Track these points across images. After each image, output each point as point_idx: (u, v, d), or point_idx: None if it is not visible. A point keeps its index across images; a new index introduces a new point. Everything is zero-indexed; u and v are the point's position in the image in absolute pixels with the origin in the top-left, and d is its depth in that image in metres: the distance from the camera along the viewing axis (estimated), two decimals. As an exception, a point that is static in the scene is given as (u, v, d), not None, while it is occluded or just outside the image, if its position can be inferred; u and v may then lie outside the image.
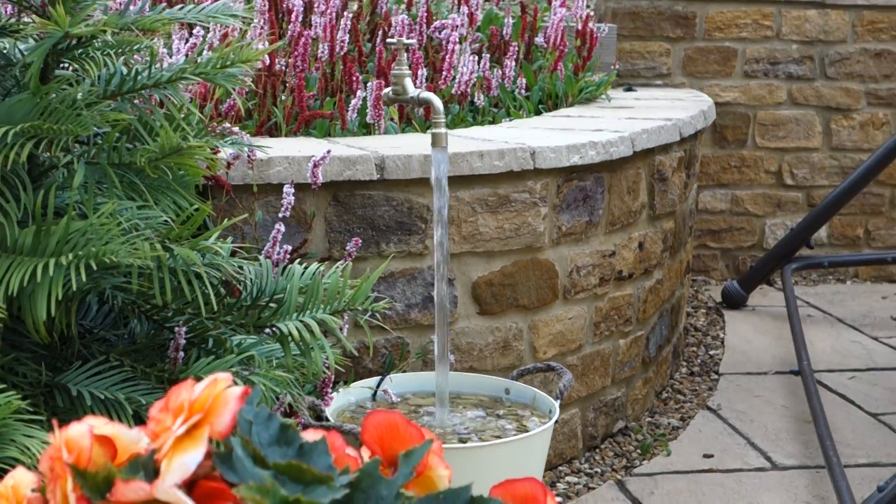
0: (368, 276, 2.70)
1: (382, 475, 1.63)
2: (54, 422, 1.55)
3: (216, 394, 1.49)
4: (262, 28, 4.02)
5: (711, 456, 3.91)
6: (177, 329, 2.55)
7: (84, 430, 1.46)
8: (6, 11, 2.63)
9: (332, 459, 1.63)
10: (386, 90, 3.17)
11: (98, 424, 1.52)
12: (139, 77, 2.50)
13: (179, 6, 2.87)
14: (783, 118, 5.81)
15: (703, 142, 5.72)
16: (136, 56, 2.85)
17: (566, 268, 3.70)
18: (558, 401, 3.04)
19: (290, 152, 3.29)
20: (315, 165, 3.14)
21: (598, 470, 3.80)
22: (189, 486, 1.48)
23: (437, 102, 2.98)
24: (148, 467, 1.51)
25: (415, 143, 3.53)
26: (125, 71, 2.51)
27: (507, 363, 3.56)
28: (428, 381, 3.15)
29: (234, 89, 2.83)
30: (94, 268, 2.22)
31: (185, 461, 1.44)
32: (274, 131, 3.73)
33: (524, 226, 3.56)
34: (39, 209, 2.32)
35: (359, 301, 2.65)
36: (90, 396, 2.34)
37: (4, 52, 2.58)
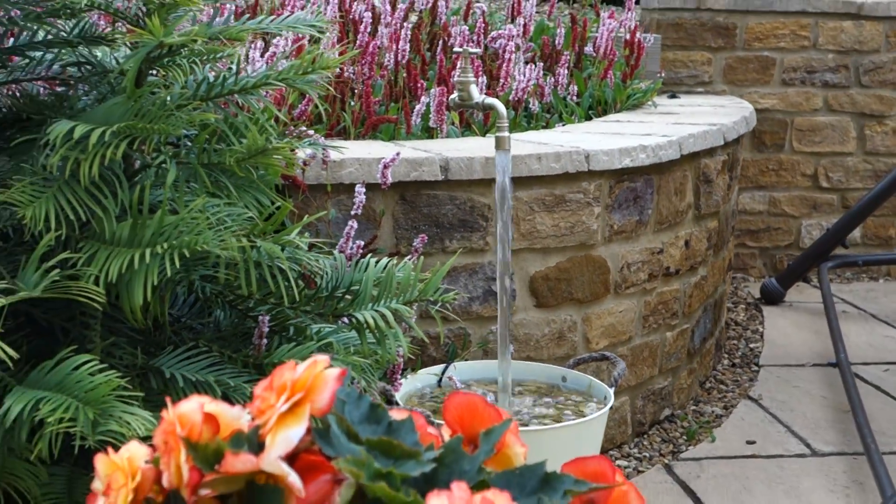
0: (437, 269, 2.73)
1: (465, 451, 1.68)
2: (167, 399, 1.61)
3: (316, 374, 1.54)
4: (333, 38, 4.06)
5: (754, 442, 3.92)
6: (261, 318, 2.59)
7: (195, 407, 1.51)
8: (102, 22, 2.68)
9: (418, 437, 1.68)
10: (452, 96, 3.18)
11: (208, 403, 1.57)
12: (226, 82, 2.54)
13: (261, 17, 2.92)
14: (819, 124, 5.80)
15: (743, 146, 5.75)
16: (218, 63, 2.89)
17: (617, 264, 3.71)
18: (613, 388, 3.06)
19: (361, 154, 3.31)
20: (385, 167, 3.18)
21: (647, 455, 3.82)
22: (290, 458, 1.53)
23: (501, 108, 2.99)
24: (252, 441, 1.57)
25: (476, 146, 3.57)
26: (212, 77, 2.55)
27: (561, 353, 3.58)
28: (489, 368, 3.17)
29: (309, 95, 2.88)
30: (187, 256, 2.26)
31: (288, 436, 1.49)
32: (343, 135, 3.76)
33: (578, 224, 3.58)
34: (135, 204, 2.37)
35: (429, 293, 2.68)
36: (182, 379, 2.37)
37: (101, 60, 2.64)
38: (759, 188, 5.83)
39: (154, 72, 2.59)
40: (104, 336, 2.39)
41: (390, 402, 3.01)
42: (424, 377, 3.17)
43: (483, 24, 4.54)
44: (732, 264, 5.58)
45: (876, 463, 3.37)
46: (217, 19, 2.79)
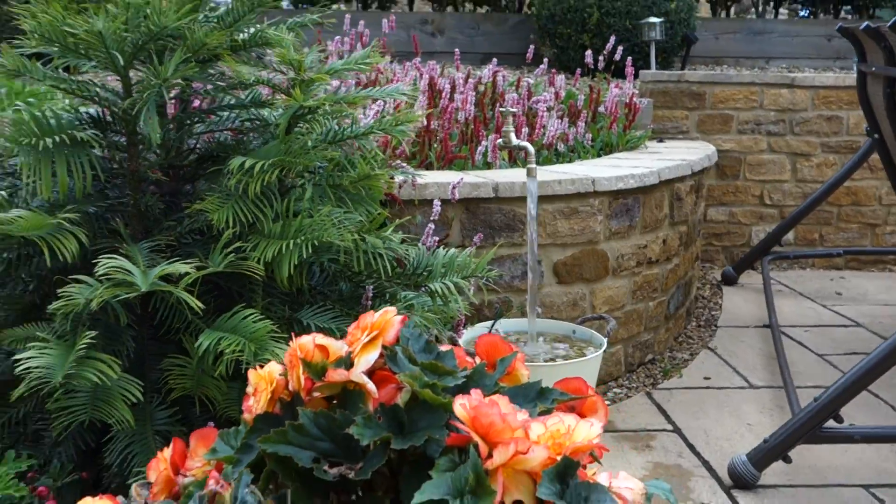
0: (485, 256, 2.79)
1: (487, 372, 1.77)
2: (293, 335, 1.71)
3: (386, 319, 1.65)
4: (423, 102, 4.13)
5: (709, 378, 3.92)
6: (367, 287, 2.67)
7: (309, 339, 1.63)
8: (265, 91, 2.76)
9: (457, 362, 1.77)
10: (498, 140, 3.25)
11: (318, 337, 1.68)
12: (346, 131, 2.62)
13: (370, 88, 2.97)
14: (764, 160, 5.75)
15: (710, 176, 5.71)
16: (343, 118, 2.97)
17: (614, 255, 3.72)
18: (606, 338, 3.11)
19: (439, 179, 3.36)
20: (453, 187, 3.25)
21: (634, 385, 3.83)
22: (369, 373, 1.64)
23: (531, 148, 3.05)
24: (346, 362, 1.69)
25: (517, 175, 3.59)
26: (337, 127, 2.63)
27: (575, 315, 3.60)
28: (523, 324, 3.21)
29: (404, 139, 2.96)
30: (316, 245, 2.35)
31: (367, 358, 1.61)
32: (429, 167, 3.83)
33: (587, 228, 3.60)
34: (284, 211, 2.47)
35: (479, 270, 2.74)
36: (314, 326, 2.45)
37: (265, 116, 2.73)
38: (722, 205, 5.80)
39: (300, 125, 2.67)
40: (263, 297, 2.48)
41: (455, 345, 3.07)
42: (479, 328, 3.22)
43: (528, 93, 4.59)
44: (701, 257, 5.57)
45: (790, 392, 3.37)
46: (342, 89, 2.89)
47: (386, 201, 3.20)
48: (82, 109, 2.58)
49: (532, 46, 5.72)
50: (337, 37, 5.12)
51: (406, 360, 1.67)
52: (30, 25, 2.32)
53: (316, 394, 1.61)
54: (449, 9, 7.65)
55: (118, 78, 2.43)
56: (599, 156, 4.47)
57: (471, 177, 3.49)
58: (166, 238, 2.47)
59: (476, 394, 1.47)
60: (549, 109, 4.46)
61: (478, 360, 1.87)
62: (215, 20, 2.57)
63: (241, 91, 2.75)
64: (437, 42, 7.25)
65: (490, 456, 1.39)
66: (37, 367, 2.08)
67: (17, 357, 2.12)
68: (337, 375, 1.56)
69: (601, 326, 3.28)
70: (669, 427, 3.42)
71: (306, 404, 1.59)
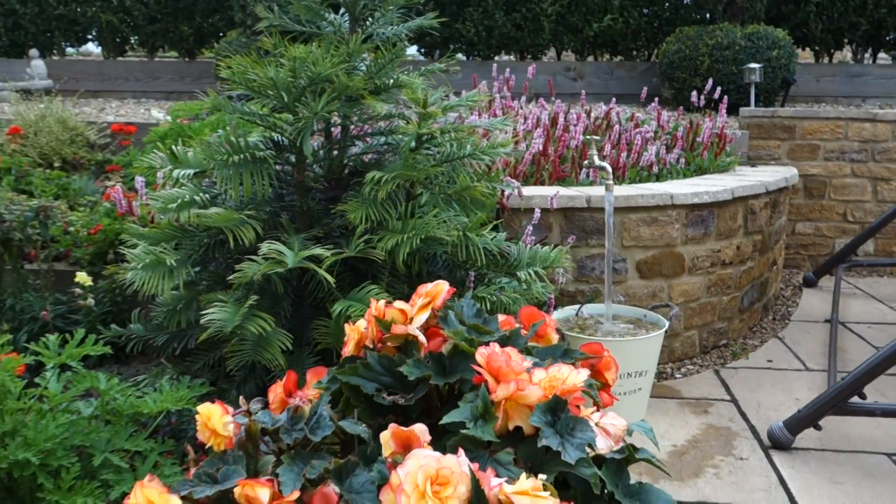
0: (563, 251, 2.87)
1: (521, 334, 1.87)
2: (372, 300, 1.86)
3: (438, 288, 1.79)
4: (541, 132, 4.21)
5: (771, 361, 3.82)
6: (469, 273, 2.82)
7: (382, 303, 1.79)
8: (398, 122, 2.93)
9: (499, 325, 1.88)
10: (586, 161, 3.31)
11: (398, 303, 1.82)
12: (456, 153, 2.76)
13: (480, 121, 3.10)
14: (847, 184, 5.50)
15: (797, 196, 5.52)
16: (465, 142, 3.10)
17: (690, 256, 3.69)
18: (668, 321, 3.13)
19: (541, 192, 3.44)
20: (551, 199, 3.34)
21: (706, 364, 3.78)
22: (424, 329, 1.78)
23: (608, 168, 3.10)
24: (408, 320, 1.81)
25: (601, 190, 3.64)
26: (449, 149, 2.78)
27: (654, 304, 3.63)
28: (603, 308, 3.29)
29: (518, 158, 3.05)
30: (423, 238, 2.51)
31: (421, 318, 1.76)
32: (542, 183, 3.91)
33: (665, 234, 3.60)
34: (405, 213, 2.65)
35: (556, 262, 2.83)
36: None
37: (397, 141, 2.91)
38: (809, 220, 5.58)
39: (427, 147, 2.83)
40: (388, 278, 2.65)
41: None
42: (568, 311, 3.29)
43: (635, 125, 4.60)
44: (787, 263, 5.41)
45: (831, 373, 3.29)
46: (456, 120, 3.03)
47: (499, 209, 3.33)
48: (266, 135, 2.84)
49: (645, 88, 5.69)
50: (483, 81, 5.27)
51: (457, 321, 1.81)
52: (226, 74, 2.60)
53: (389, 343, 1.78)
54: (590, 58, 7.67)
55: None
56: (690, 176, 4.41)
57: (568, 190, 3.56)
58: (321, 231, 2.70)
59: (494, 346, 1.60)
60: (655, 137, 4.45)
61: (520, 325, 1.99)
62: (364, 69, 2.79)
63: (382, 122, 2.96)
64: (578, 85, 7.30)
65: (495, 391, 1.51)
66: (216, 320, 2.35)
67: (203, 312, 2.40)
68: (398, 329, 1.72)
69: (666, 313, 3.28)
70: (727, 398, 3.38)
71: (378, 351, 1.76)
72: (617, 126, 4.42)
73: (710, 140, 4.69)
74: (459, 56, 7.71)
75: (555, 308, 3.23)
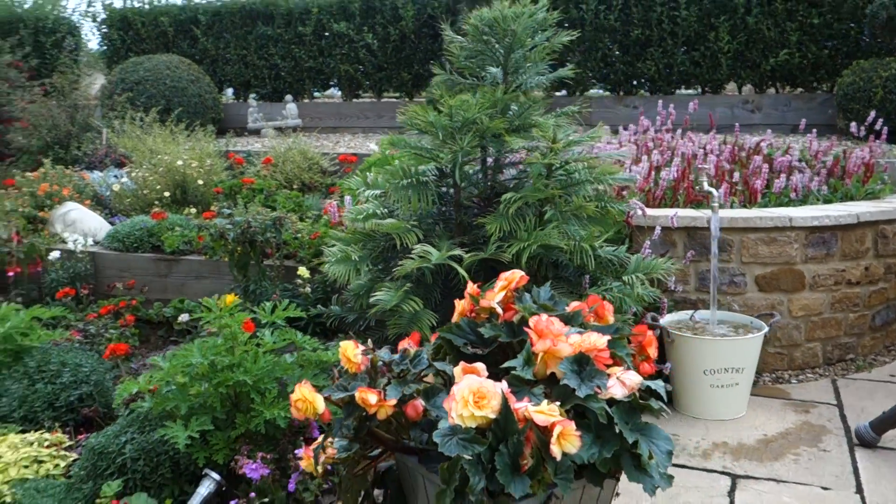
0: (663, 261, 3.25)
1: (581, 314, 2.36)
2: (469, 283, 2.43)
3: (517, 276, 2.32)
4: (678, 161, 4.49)
5: (894, 376, 3.86)
6: (585, 277, 3.29)
7: (476, 285, 2.34)
8: (520, 156, 3.45)
9: (566, 308, 2.38)
10: (697, 186, 3.61)
11: (494, 286, 2.36)
12: (575, 179, 3.26)
13: (599, 154, 3.54)
14: None
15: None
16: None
17: (811, 274, 3.83)
18: (768, 327, 3.40)
19: (664, 213, 3.78)
20: (671, 218, 3.71)
21: (826, 374, 3.88)
22: (504, 304, 2.32)
23: (715, 193, 3.42)
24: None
25: (728, 212, 3.86)
26: (567, 177, 3.27)
27: (760, 313, 3.83)
28: (707, 314, 3.58)
29: (613, 185, 3.47)
30: (541, 245, 3.03)
31: (499, 296, 2.31)
32: (676, 205, 4.21)
33: (784, 252, 3.78)
34: (532, 225, 3.18)
35: (655, 270, 3.22)
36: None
37: (531, 168, 3.44)
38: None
39: (558, 173, 3.34)
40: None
41: (655, 320, 3.53)
42: (682, 315, 3.61)
43: (782, 154, 4.76)
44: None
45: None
46: (584, 151, 3.49)
47: (628, 226, 3.75)
48: (433, 165, 3.50)
49: (804, 119, 5.77)
50: (644, 118, 5.64)
51: (531, 301, 2.35)
52: (401, 118, 3.30)
53: (480, 314, 2.35)
54: (771, 90, 7.73)
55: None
56: (833, 202, 4.45)
57: (689, 211, 3.88)
58: (469, 239, 3.31)
59: (543, 316, 2.12)
60: (809, 166, 4.55)
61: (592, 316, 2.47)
62: (509, 114, 3.38)
63: (523, 153, 3.52)
64: (755, 117, 7.41)
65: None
66: (381, 300, 3.03)
67: (373, 294, 3.10)
68: (483, 303, 2.29)
69: (768, 320, 3.51)
70: (833, 402, 3.56)
71: (473, 318, 2.33)
72: (757, 156, 4.64)
73: (857, 168, 4.76)
74: (642, 92, 8.06)
75: (668, 311, 3.60)
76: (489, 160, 3.53)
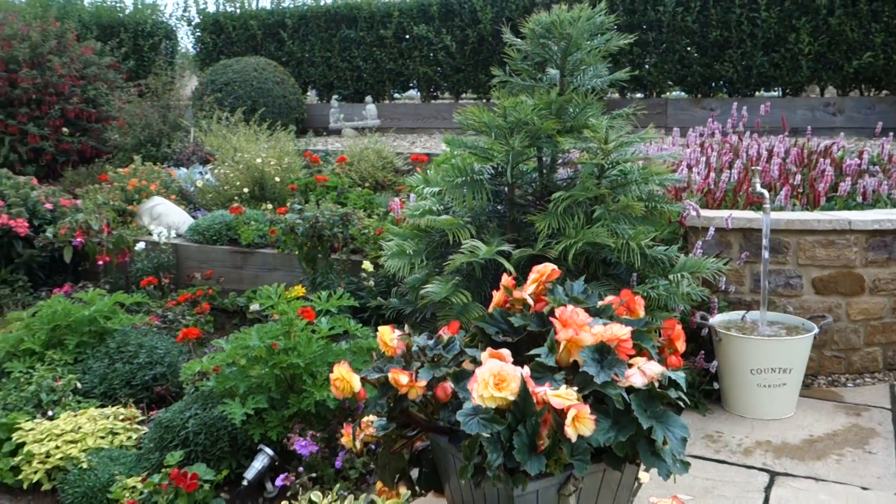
0: (706, 260, 3.28)
1: (612, 308, 2.44)
2: (504, 276, 2.54)
3: (549, 269, 2.43)
4: (739, 164, 4.47)
5: None
6: (633, 275, 3.35)
7: (511, 278, 2.45)
8: (575, 156, 3.54)
9: (597, 302, 2.47)
10: (750, 189, 3.61)
11: (527, 279, 2.48)
12: (625, 179, 3.33)
13: (651, 156, 3.58)
14: None
15: None
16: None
17: (871, 278, 3.76)
18: (818, 329, 3.39)
19: (719, 214, 3.79)
20: (726, 219, 3.72)
21: (885, 379, 3.80)
22: (535, 296, 2.43)
23: (766, 193, 3.43)
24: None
25: (784, 214, 3.83)
26: (621, 175, 3.35)
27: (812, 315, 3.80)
28: (767, 315, 3.55)
29: (666, 186, 3.52)
30: (587, 242, 3.12)
31: (531, 288, 2.42)
32: (735, 208, 4.19)
33: (842, 255, 3.74)
34: (580, 223, 3.27)
35: (700, 269, 3.26)
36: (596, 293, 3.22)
37: (581, 171, 3.53)
38: None
39: (610, 173, 3.41)
40: (564, 273, 3.30)
41: (705, 319, 3.56)
42: (734, 315, 3.60)
43: (855, 159, 4.69)
44: None
45: None
46: (630, 153, 3.55)
47: (682, 227, 3.79)
48: (488, 165, 3.62)
49: (880, 122, 5.63)
50: (716, 120, 5.62)
51: (563, 294, 2.45)
52: (457, 118, 3.45)
53: (515, 305, 2.46)
54: (853, 93, 7.53)
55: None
56: None
57: (745, 213, 3.86)
58: (521, 236, 3.43)
59: (569, 307, 2.23)
60: (883, 170, 4.47)
61: (627, 312, 2.55)
62: (563, 116, 3.47)
63: (576, 153, 3.61)
64: (837, 120, 7.24)
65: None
66: (431, 292, 3.18)
67: (423, 287, 3.25)
68: (516, 294, 2.41)
69: (820, 322, 3.49)
70: (888, 406, 3.51)
71: (507, 308, 2.45)
72: (824, 159, 4.58)
73: (933, 173, 4.63)
74: (721, 94, 7.97)
75: (719, 311, 3.63)
76: (545, 159, 3.63)
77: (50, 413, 3.29)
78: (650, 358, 2.25)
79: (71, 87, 8.20)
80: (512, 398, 1.97)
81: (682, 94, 8.24)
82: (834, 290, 3.80)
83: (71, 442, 3.02)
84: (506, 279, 2.46)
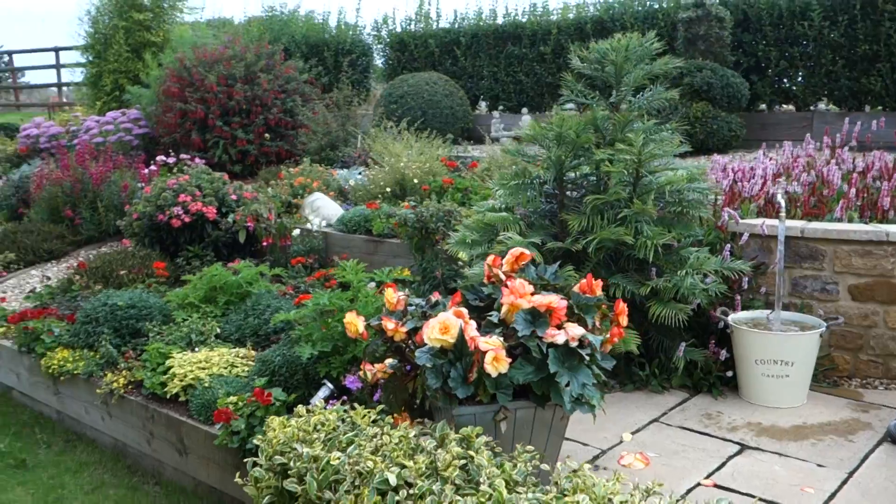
0: (715, 258, 3.67)
1: (574, 288, 3.05)
2: (490, 256, 3.21)
3: (518, 252, 3.10)
4: (806, 178, 4.68)
5: None
6: (652, 268, 3.83)
7: (493, 257, 3.14)
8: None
9: (562, 283, 3.11)
10: (775, 196, 3.92)
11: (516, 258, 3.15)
12: (651, 185, 3.82)
13: (674, 166, 3.99)
14: None
15: None
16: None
17: None
18: (825, 328, 3.66)
19: (756, 222, 4.12)
20: (761, 226, 4.06)
21: None
22: (507, 274, 3.10)
23: (783, 203, 3.75)
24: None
25: (821, 224, 4.07)
26: (645, 182, 3.84)
27: (865, 324, 3.96)
28: (786, 315, 3.85)
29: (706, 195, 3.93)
30: (613, 239, 3.67)
31: (506, 268, 3.08)
32: (793, 218, 4.41)
33: (879, 265, 3.90)
34: (607, 222, 3.82)
35: (704, 266, 3.66)
36: (619, 285, 3.74)
37: (603, 175, 4.04)
38: None
39: (645, 179, 3.91)
40: (592, 264, 3.87)
41: (725, 314, 3.88)
42: (758, 313, 3.92)
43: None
44: None
45: None
46: (657, 163, 3.99)
47: (720, 232, 4.17)
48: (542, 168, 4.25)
49: None
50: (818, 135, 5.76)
51: (533, 274, 3.07)
52: (514, 131, 4.13)
53: (501, 279, 3.12)
54: None
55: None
56: None
57: (780, 221, 4.14)
58: (563, 232, 4.03)
59: (521, 281, 2.86)
60: None
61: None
62: (602, 132, 4.03)
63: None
64: None
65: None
66: (474, 273, 3.89)
67: (469, 270, 3.96)
68: (494, 270, 3.06)
69: (833, 324, 3.75)
70: (902, 408, 3.71)
71: (488, 283, 3.12)
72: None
73: None
74: (872, 108, 7.85)
75: (743, 308, 3.98)
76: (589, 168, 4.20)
77: (196, 350, 4.38)
78: (588, 328, 2.83)
79: (273, 100, 9.66)
80: (452, 341, 2.66)
81: (832, 107, 8.18)
82: (871, 297, 4.00)
83: (201, 368, 4.06)
84: (490, 258, 3.13)
